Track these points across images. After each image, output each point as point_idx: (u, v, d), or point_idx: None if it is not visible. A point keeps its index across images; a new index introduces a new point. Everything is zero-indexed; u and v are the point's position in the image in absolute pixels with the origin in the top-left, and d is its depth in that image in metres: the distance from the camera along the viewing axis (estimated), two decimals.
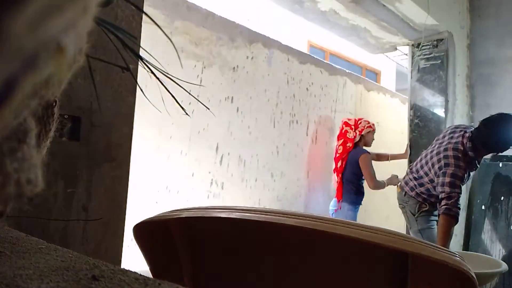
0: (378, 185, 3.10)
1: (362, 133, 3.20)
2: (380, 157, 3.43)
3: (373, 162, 3.19)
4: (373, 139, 3.29)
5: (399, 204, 2.73)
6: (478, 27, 3.89)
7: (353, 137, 3.21)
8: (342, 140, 3.25)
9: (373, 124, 3.29)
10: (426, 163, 2.52)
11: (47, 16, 0.18)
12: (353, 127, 3.24)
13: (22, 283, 0.32)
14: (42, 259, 0.39)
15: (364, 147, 3.24)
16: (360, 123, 3.25)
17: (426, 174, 2.51)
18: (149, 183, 2.28)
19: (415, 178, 2.59)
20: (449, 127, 2.69)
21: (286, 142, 3.16)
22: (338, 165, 3.22)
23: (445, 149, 2.42)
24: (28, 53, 0.18)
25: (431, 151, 2.53)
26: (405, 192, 2.64)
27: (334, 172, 3.30)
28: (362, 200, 3.20)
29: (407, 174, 2.71)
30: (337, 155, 3.25)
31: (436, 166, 2.42)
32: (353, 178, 3.14)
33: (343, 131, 3.28)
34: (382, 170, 3.33)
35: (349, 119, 3.34)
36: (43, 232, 0.86)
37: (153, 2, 2.23)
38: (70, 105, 0.90)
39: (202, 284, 0.89)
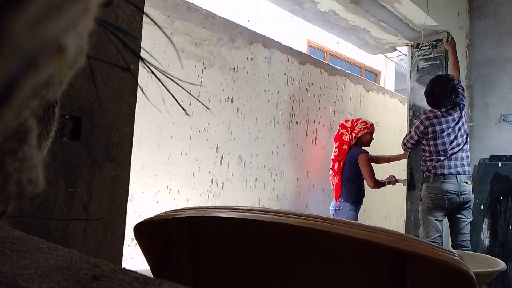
0: (378, 184, 3.09)
1: (359, 135, 3.17)
2: (380, 159, 3.41)
3: (373, 165, 3.17)
4: (372, 139, 3.23)
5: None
6: (477, 28, 3.89)
7: (348, 140, 3.17)
8: (338, 142, 3.22)
9: (371, 125, 3.22)
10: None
11: (48, 16, 0.18)
12: (349, 129, 3.20)
13: (23, 282, 0.33)
14: (43, 258, 0.39)
15: (363, 147, 3.22)
16: (357, 124, 3.20)
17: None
18: (150, 183, 2.28)
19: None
20: None
21: (286, 142, 3.16)
22: (336, 167, 3.20)
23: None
24: (28, 53, 0.18)
25: None
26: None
27: (334, 175, 3.25)
28: (363, 199, 3.18)
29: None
30: (333, 156, 3.23)
31: None
32: (354, 178, 3.11)
33: (339, 133, 3.25)
34: (383, 170, 3.33)
35: (346, 121, 3.30)
36: (44, 232, 0.86)
37: (153, 2, 2.23)
38: (71, 105, 0.91)
39: (202, 284, 0.89)
